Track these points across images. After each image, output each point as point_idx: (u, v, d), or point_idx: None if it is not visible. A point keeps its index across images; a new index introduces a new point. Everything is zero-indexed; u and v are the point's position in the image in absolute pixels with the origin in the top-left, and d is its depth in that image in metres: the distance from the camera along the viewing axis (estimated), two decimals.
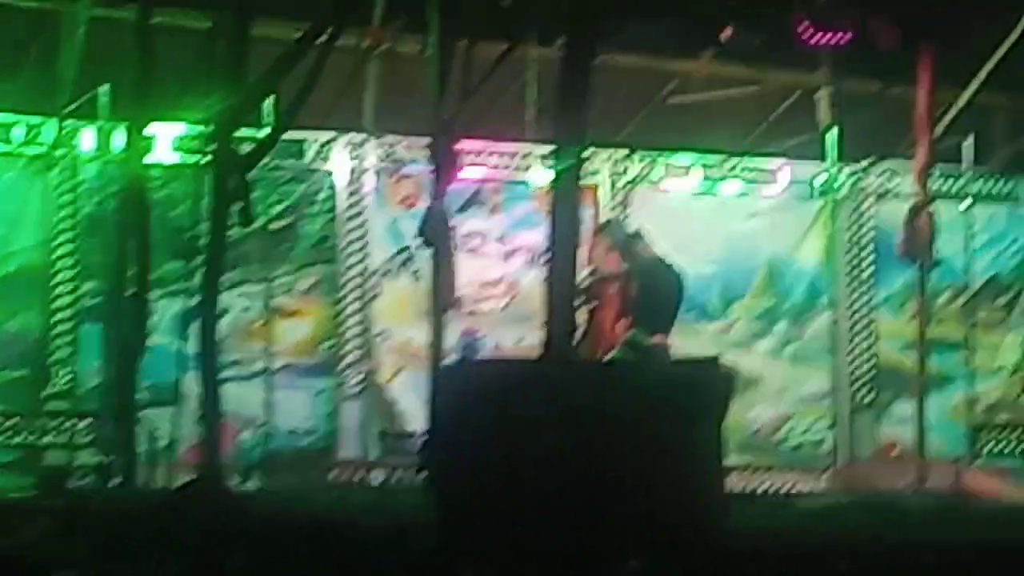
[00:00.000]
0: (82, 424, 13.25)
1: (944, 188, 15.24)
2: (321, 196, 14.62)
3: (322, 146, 14.55)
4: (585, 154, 8.29)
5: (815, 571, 7.36)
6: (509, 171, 14.96)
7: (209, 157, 10.51)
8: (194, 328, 10.38)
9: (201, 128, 11.38)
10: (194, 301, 10.73)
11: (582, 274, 13.75)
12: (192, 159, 12.90)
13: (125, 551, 7.36)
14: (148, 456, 12.68)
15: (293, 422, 14.35)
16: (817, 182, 15.67)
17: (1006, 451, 15.32)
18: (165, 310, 13.59)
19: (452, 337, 13.86)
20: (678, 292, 13.55)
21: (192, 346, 10.36)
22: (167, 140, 13.68)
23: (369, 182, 14.69)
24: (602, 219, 14.75)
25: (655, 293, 13.52)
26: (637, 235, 13.45)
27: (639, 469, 7.05)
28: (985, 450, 15.12)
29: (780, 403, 15.61)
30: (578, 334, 12.76)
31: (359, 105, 14.66)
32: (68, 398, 13.64)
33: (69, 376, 13.68)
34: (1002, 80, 15.18)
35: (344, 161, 14.61)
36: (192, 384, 10.65)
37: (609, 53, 13.89)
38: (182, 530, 7.86)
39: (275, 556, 7.31)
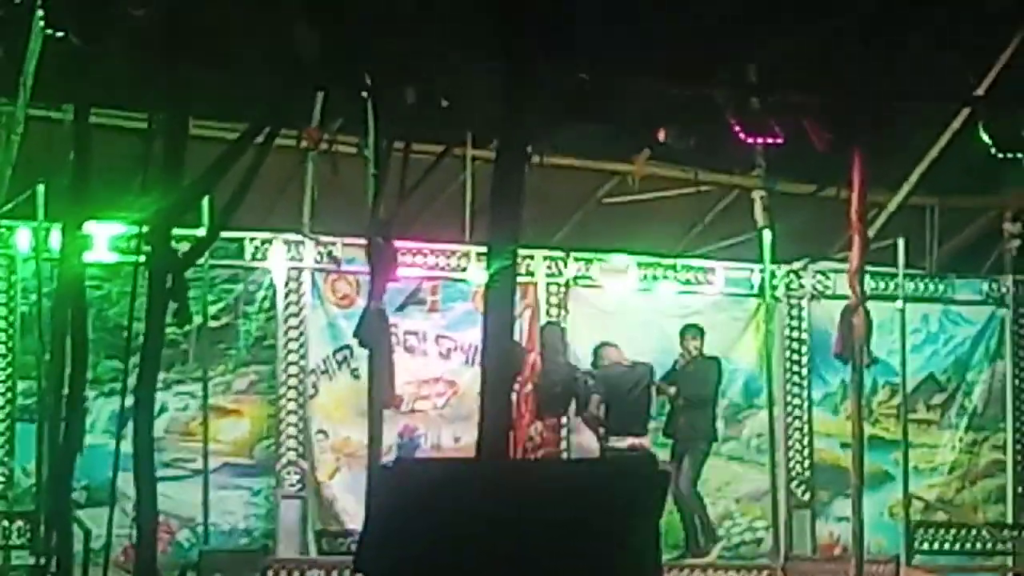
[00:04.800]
0: (16, 524, 13.12)
1: (878, 288, 15.39)
2: (260, 295, 14.64)
3: (260, 245, 14.58)
4: (520, 253, 8.33)
5: None
6: (447, 271, 15.03)
7: (146, 256, 10.49)
8: (131, 427, 10.31)
9: (138, 227, 11.38)
10: (131, 400, 10.66)
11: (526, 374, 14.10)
12: (129, 258, 12.89)
13: None
14: (84, 557, 12.56)
15: (231, 521, 14.29)
16: (753, 282, 15.79)
17: (943, 549, 15.34)
18: (101, 409, 13.56)
19: (390, 436, 13.88)
20: (644, 389, 13.88)
21: (129, 445, 10.30)
22: (104, 239, 13.69)
23: (307, 281, 14.72)
24: (541, 321, 14.90)
25: (629, 398, 13.88)
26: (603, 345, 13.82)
27: (574, 567, 7.04)
28: (923, 547, 15.13)
29: (718, 501, 15.63)
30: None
31: (297, 205, 14.72)
32: (2, 498, 13.53)
33: (3, 476, 13.59)
34: (933, 182, 15.39)
35: (282, 260, 14.64)
36: (129, 484, 10.57)
37: (544, 154, 14.06)
38: None
39: None
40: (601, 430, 14.16)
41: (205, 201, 12.13)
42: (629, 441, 13.64)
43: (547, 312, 15.08)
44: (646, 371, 14.29)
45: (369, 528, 7.78)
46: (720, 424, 15.44)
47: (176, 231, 10.58)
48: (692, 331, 14.76)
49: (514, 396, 12.42)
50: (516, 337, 10.78)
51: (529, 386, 13.47)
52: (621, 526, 7.07)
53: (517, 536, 7.00)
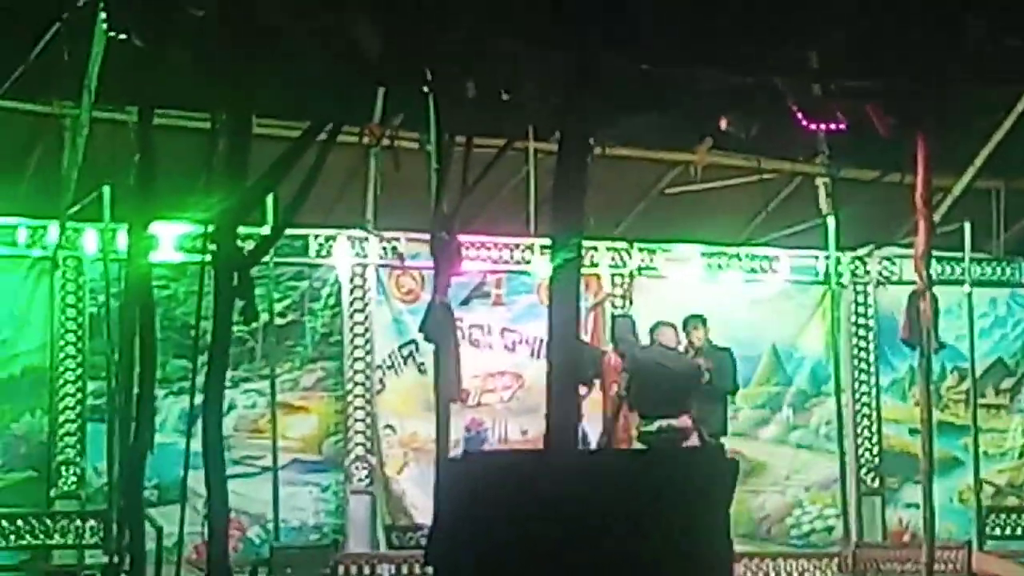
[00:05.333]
0: (89, 524, 13.25)
1: (945, 273, 15.31)
2: (325, 292, 14.70)
3: (325, 241, 14.65)
4: (583, 245, 8.34)
5: None
6: (511, 264, 15.05)
7: (212, 255, 10.54)
8: (200, 425, 10.37)
9: (203, 227, 11.44)
10: (199, 398, 10.73)
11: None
12: (195, 257, 12.96)
13: None
14: (157, 554, 12.66)
15: (301, 517, 14.36)
16: (818, 269, 15.75)
17: (1015, 534, 15.28)
18: (171, 408, 13.66)
19: (458, 430, 13.91)
20: (678, 373, 13.72)
21: (198, 444, 10.35)
22: (170, 239, 13.79)
23: (372, 277, 14.77)
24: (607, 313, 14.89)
25: (659, 380, 13.70)
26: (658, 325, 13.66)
27: (645, 558, 7.04)
28: (994, 533, 15.07)
29: (787, 489, 15.61)
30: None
31: (360, 201, 14.78)
32: (75, 497, 13.65)
33: (75, 476, 13.71)
34: (998, 165, 15.30)
35: (347, 256, 14.70)
36: (199, 482, 10.63)
37: (606, 145, 14.05)
38: None
39: None
40: (626, 410, 13.94)
41: (269, 199, 12.18)
42: (658, 423, 13.50)
43: (611, 304, 15.08)
44: (688, 359, 14.03)
45: (438, 522, 7.80)
46: (789, 412, 15.44)
47: (241, 229, 10.62)
48: (694, 321, 14.37)
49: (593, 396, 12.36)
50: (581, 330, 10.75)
51: (622, 382, 13.40)
52: (692, 516, 7.07)
53: (587, 527, 7.01)
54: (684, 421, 13.66)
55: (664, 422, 13.51)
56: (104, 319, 13.47)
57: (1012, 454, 16.21)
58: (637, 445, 13.51)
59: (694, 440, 13.31)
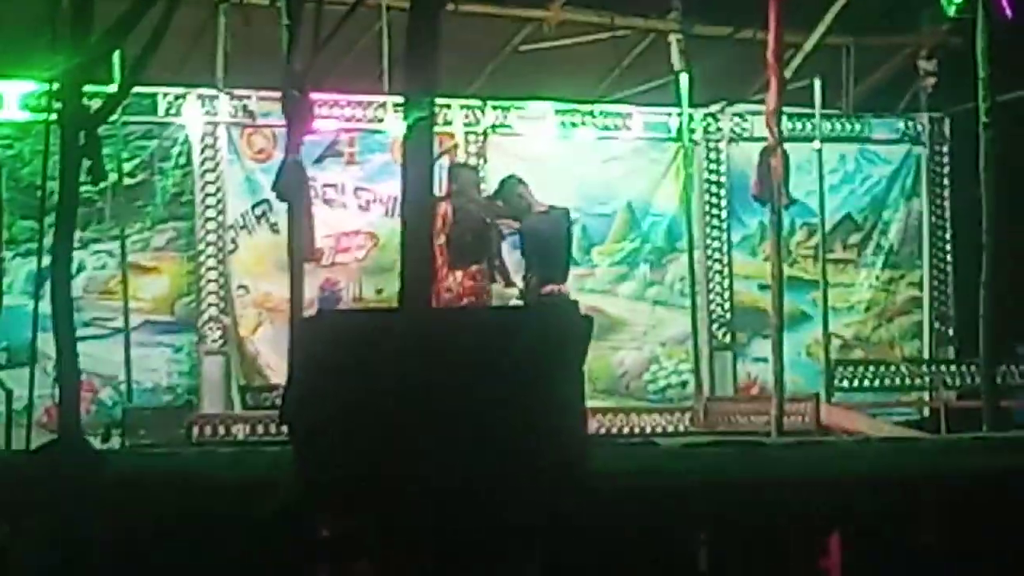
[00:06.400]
0: None
1: (795, 130, 15.42)
2: (175, 151, 14.52)
3: (174, 100, 14.44)
4: (437, 103, 8.28)
5: (678, 509, 7.46)
6: (364, 122, 14.94)
7: (57, 114, 10.35)
8: (49, 287, 10.25)
9: (48, 85, 11.23)
10: (48, 260, 10.59)
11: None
12: (40, 116, 12.73)
13: None
14: (6, 417, 12.54)
15: (154, 378, 14.29)
16: (671, 126, 15.81)
17: (862, 386, 15.58)
18: (18, 270, 13.48)
19: (312, 290, 13.86)
20: (565, 234, 13.69)
21: (47, 305, 10.24)
22: (14, 98, 13.53)
23: (223, 136, 14.61)
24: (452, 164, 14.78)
25: (541, 242, 13.69)
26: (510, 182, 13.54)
27: (499, 413, 7.08)
28: (841, 385, 15.35)
29: (644, 346, 15.78)
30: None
31: (210, 59, 14.55)
32: None
33: None
34: (849, 21, 15.40)
35: (197, 115, 14.51)
36: (49, 344, 10.52)
37: (460, 2, 13.94)
38: (42, 491, 7.79)
39: (137, 514, 7.28)
40: (509, 278, 13.88)
41: (116, 56, 11.96)
42: (548, 288, 13.55)
43: (459, 162, 15.02)
44: (563, 215, 14.01)
45: (293, 381, 7.78)
46: (646, 268, 15.61)
47: (87, 88, 10.43)
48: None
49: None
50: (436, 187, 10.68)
51: (442, 237, 13.29)
52: (545, 372, 7.11)
53: (440, 384, 7.03)
54: (566, 288, 13.73)
55: (554, 287, 13.55)
56: None
57: (859, 308, 16.48)
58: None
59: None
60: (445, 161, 14.38)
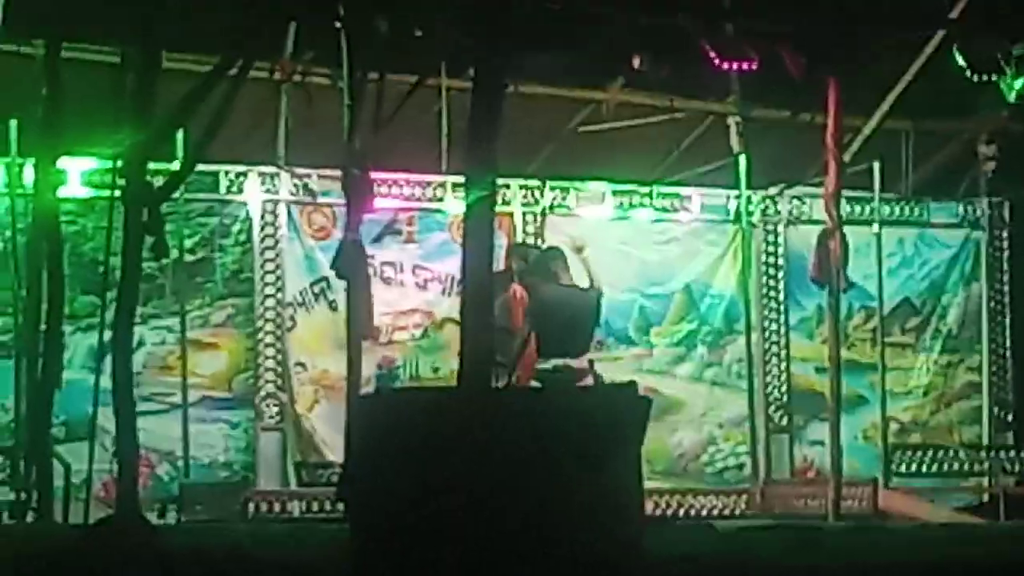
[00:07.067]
0: None
1: (854, 213, 15.41)
2: (235, 228, 14.62)
3: (236, 178, 14.56)
4: (497, 183, 8.32)
5: None
6: (423, 201, 15.02)
7: (121, 191, 10.45)
8: (109, 362, 10.31)
9: (112, 162, 11.34)
10: (108, 335, 10.66)
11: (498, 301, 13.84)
12: (104, 193, 12.85)
13: None
14: (64, 491, 12.59)
15: (211, 454, 14.32)
16: (729, 208, 15.83)
17: (920, 471, 15.48)
18: (79, 344, 13.56)
19: (369, 367, 13.89)
20: (579, 312, 13.61)
21: (107, 380, 10.29)
22: (78, 174, 13.65)
23: (283, 214, 14.70)
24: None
25: (565, 316, 13.61)
26: (552, 255, 13.44)
27: (558, 496, 7.06)
28: (899, 470, 15.25)
29: (703, 427, 15.74)
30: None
31: (272, 138, 14.68)
32: None
33: None
34: (908, 106, 15.41)
35: (257, 193, 14.62)
36: (108, 419, 10.58)
37: (520, 83, 14.01)
38: (100, 565, 7.81)
39: None
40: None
41: (179, 135, 12.07)
42: (553, 362, 13.43)
43: (523, 240, 15.07)
44: (593, 295, 13.79)
45: (350, 459, 7.79)
46: (703, 350, 15.59)
47: (151, 165, 10.54)
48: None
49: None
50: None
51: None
52: (603, 454, 7.09)
53: (499, 465, 7.02)
54: (582, 362, 13.61)
55: (560, 361, 13.46)
56: (11, 255, 13.29)
57: (916, 392, 16.40)
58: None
59: (589, 381, 13.22)
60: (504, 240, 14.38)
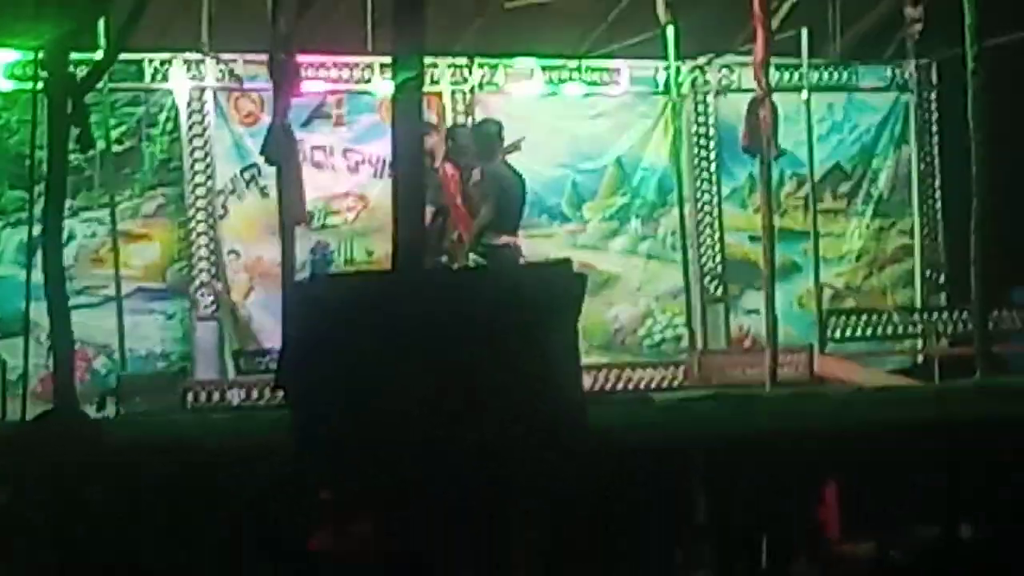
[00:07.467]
0: None
1: (783, 80, 15.38)
2: (162, 117, 14.48)
3: (160, 65, 14.39)
4: (425, 62, 8.26)
5: (675, 464, 7.49)
6: (351, 83, 14.90)
7: (44, 83, 10.33)
8: (39, 256, 10.24)
9: (34, 53, 11.20)
10: (38, 229, 10.57)
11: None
12: (27, 85, 12.70)
13: None
14: (0, 388, 12.54)
15: (147, 345, 14.28)
16: (658, 80, 15.78)
17: (854, 335, 15.58)
18: (8, 240, 13.47)
19: (303, 253, 13.85)
20: (521, 192, 13.70)
21: (39, 275, 10.23)
22: (0, 68, 13.48)
23: (210, 101, 14.57)
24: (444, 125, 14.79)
25: (515, 193, 13.66)
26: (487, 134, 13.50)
27: (496, 374, 7.09)
28: (834, 335, 15.36)
29: (638, 301, 15.79)
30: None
31: (195, 23, 14.49)
32: None
33: None
34: None
35: (183, 80, 14.47)
36: (41, 313, 10.52)
37: None
38: (39, 460, 7.80)
39: (134, 481, 7.29)
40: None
41: (101, 23, 11.92)
42: (504, 239, 13.50)
43: (454, 120, 15.03)
44: (519, 176, 13.95)
45: (287, 345, 7.79)
46: (637, 223, 15.63)
47: (73, 55, 10.40)
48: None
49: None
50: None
51: (459, 199, 13.33)
52: (540, 331, 7.12)
53: (436, 346, 7.04)
54: (520, 239, 13.70)
55: (509, 239, 13.53)
56: None
57: (849, 257, 16.48)
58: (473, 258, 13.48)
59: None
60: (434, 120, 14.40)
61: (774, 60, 13.86)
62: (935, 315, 15.65)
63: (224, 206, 14.61)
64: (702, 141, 16.05)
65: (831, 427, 8.38)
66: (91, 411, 12.29)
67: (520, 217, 13.89)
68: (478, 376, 7.01)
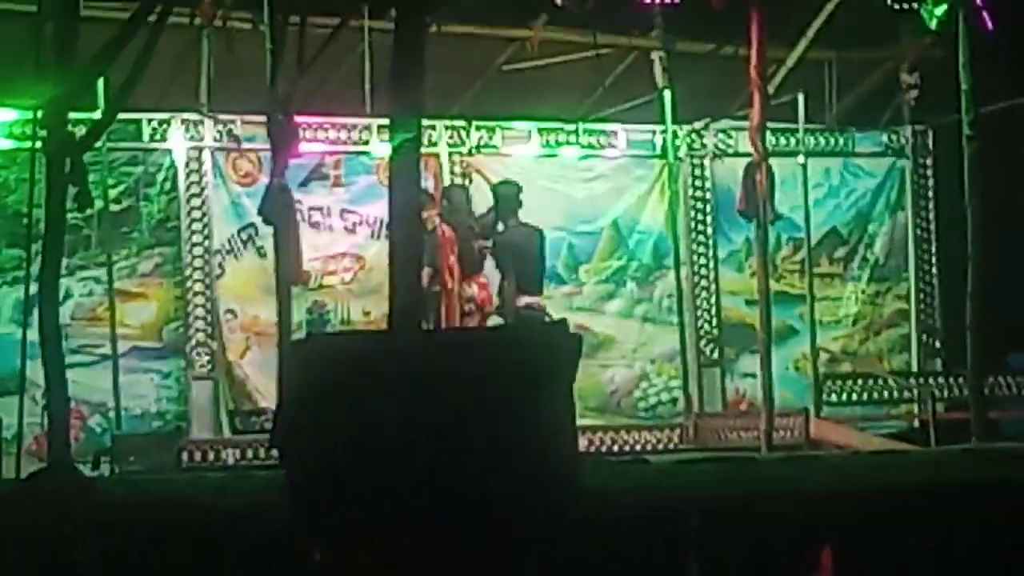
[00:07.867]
0: None
1: (780, 145, 15.44)
2: (160, 177, 14.53)
3: (159, 126, 14.45)
4: (422, 124, 8.30)
5: (669, 527, 7.46)
6: (349, 144, 14.96)
7: (43, 141, 10.36)
8: (36, 315, 10.24)
9: (33, 112, 11.24)
10: (35, 288, 10.58)
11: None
12: (25, 144, 12.73)
13: None
14: None
15: (143, 405, 14.26)
16: (655, 143, 15.84)
17: (850, 399, 15.58)
18: (5, 298, 13.48)
19: (300, 312, 13.87)
20: (540, 246, 13.77)
21: (35, 333, 10.23)
22: None
23: (208, 161, 14.62)
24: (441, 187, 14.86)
25: (519, 255, 13.74)
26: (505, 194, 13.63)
27: (492, 435, 7.08)
28: (830, 399, 15.36)
29: (634, 363, 15.79)
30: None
31: (194, 84, 14.56)
32: None
33: None
34: (831, 36, 15.45)
35: (181, 140, 14.52)
36: (37, 372, 10.51)
37: (442, 23, 13.96)
38: (33, 519, 7.78)
39: (128, 540, 7.27)
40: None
41: (100, 83, 11.97)
42: (525, 300, 13.56)
43: (452, 182, 15.07)
44: (537, 231, 14.08)
45: (283, 405, 7.78)
46: (633, 286, 15.66)
47: (72, 115, 10.44)
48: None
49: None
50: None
51: (452, 257, 13.40)
52: (536, 392, 7.11)
53: (431, 406, 7.03)
54: (541, 300, 13.79)
55: (530, 299, 13.59)
56: None
57: (846, 322, 16.50)
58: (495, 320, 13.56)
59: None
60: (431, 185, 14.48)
61: (770, 125, 13.95)
62: (931, 380, 15.66)
63: (221, 266, 14.64)
64: (699, 204, 16.09)
65: (826, 490, 8.37)
66: (86, 470, 12.29)
67: (542, 272, 13.97)
68: (473, 437, 7.00)
